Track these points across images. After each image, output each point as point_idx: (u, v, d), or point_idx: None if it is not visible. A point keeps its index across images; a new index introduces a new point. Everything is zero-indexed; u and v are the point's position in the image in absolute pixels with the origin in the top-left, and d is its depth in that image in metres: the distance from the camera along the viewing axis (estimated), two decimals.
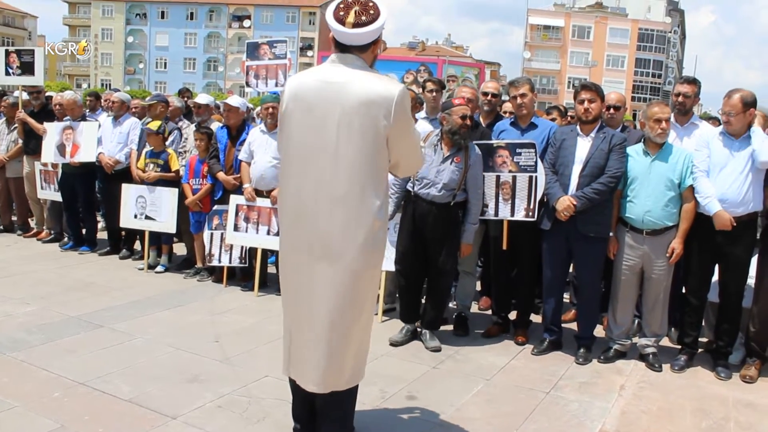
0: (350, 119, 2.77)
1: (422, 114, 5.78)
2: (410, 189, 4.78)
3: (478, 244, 5.26)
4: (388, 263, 4.96)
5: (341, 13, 2.83)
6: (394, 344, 4.75)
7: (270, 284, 6.20)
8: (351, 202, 2.80)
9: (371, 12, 2.81)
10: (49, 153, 7.32)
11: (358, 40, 2.84)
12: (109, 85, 53.16)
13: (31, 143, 7.71)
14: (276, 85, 7.40)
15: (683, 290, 4.80)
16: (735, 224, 4.30)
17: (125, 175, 6.99)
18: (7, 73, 7.84)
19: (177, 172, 6.67)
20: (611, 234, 4.64)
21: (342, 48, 2.88)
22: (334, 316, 2.86)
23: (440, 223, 4.68)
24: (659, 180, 4.45)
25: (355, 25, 2.80)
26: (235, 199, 6.12)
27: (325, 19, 2.93)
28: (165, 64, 65.17)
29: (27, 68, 7.75)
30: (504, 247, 4.85)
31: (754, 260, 4.53)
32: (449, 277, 4.91)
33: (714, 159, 4.43)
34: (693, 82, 5.06)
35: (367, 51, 2.89)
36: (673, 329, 5.09)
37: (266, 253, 6.23)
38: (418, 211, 4.73)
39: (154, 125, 6.67)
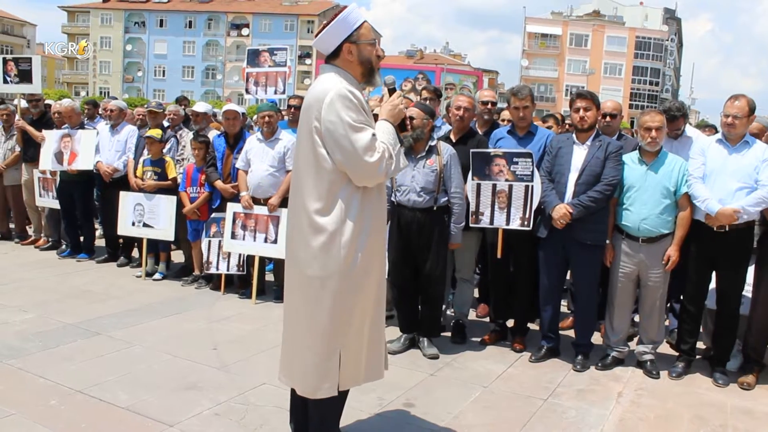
0: (300, 124, 2.93)
1: None
2: (393, 200, 4.79)
3: (475, 251, 5.27)
4: None
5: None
6: (392, 353, 4.73)
7: (267, 292, 6.20)
8: (295, 205, 2.93)
9: (331, 19, 2.91)
10: (46, 160, 7.34)
11: (319, 47, 2.96)
12: (108, 93, 53.16)
13: (30, 151, 7.74)
14: (275, 92, 7.42)
15: (681, 297, 4.81)
16: (739, 214, 4.30)
17: (123, 182, 7.00)
18: (5, 81, 7.89)
19: (174, 179, 6.68)
20: (607, 241, 4.65)
21: (325, 59, 2.99)
22: (293, 318, 2.98)
23: (425, 228, 4.68)
24: (655, 188, 4.47)
25: (317, 34, 2.94)
26: (232, 207, 6.13)
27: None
28: (163, 72, 65.29)
29: (25, 76, 7.79)
30: (498, 255, 4.86)
31: (752, 268, 4.55)
32: (440, 283, 4.87)
33: (710, 166, 4.45)
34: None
35: (338, 57, 2.91)
36: (673, 331, 5.10)
37: (264, 260, 6.24)
38: (403, 220, 4.75)
39: (157, 133, 6.69)
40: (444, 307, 5.25)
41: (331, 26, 2.88)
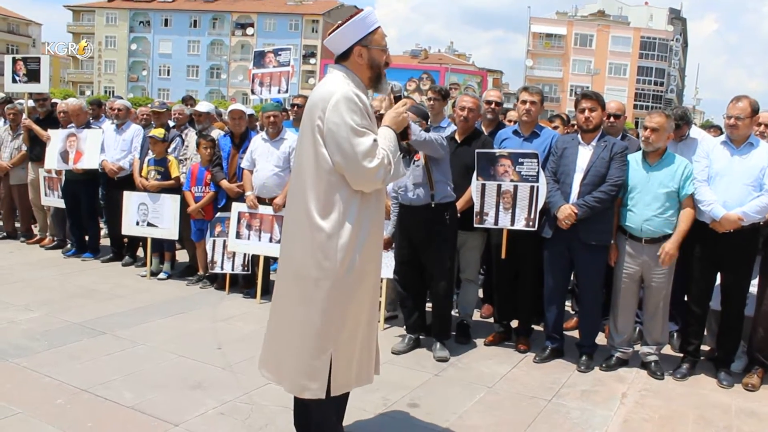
0: (303, 123, 2.92)
1: None
2: (398, 201, 4.84)
3: (480, 251, 5.27)
4: (387, 271, 4.98)
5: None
6: (396, 353, 4.74)
7: (272, 291, 6.19)
8: (295, 203, 2.92)
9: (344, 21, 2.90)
10: (52, 160, 7.36)
11: (330, 47, 2.95)
12: (113, 92, 53.34)
13: (36, 150, 7.77)
14: (278, 92, 7.48)
15: (685, 298, 4.81)
16: (743, 221, 4.29)
17: (128, 182, 7.02)
18: (14, 81, 7.92)
19: (177, 179, 6.70)
20: (612, 242, 4.65)
21: (335, 59, 2.99)
22: (283, 316, 2.98)
23: (423, 225, 4.67)
24: (658, 188, 4.46)
25: (331, 32, 2.93)
26: (237, 207, 6.14)
27: (330, 28, 3.01)
28: (168, 71, 65.41)
29: (33, 76, 7.83)
30: (503, 256, 4.85)
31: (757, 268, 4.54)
32: (443, 280, 4.79)
33: (715, 167, 4.44)
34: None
35: (348, 58, 2.91)
36: (675, 336, 5.10)
37: (268, 260, 6.25)
38: (404, 219, 4.78)
39: (160, 133, 6.70)
40: None
41: (345, 26, 2.86)
